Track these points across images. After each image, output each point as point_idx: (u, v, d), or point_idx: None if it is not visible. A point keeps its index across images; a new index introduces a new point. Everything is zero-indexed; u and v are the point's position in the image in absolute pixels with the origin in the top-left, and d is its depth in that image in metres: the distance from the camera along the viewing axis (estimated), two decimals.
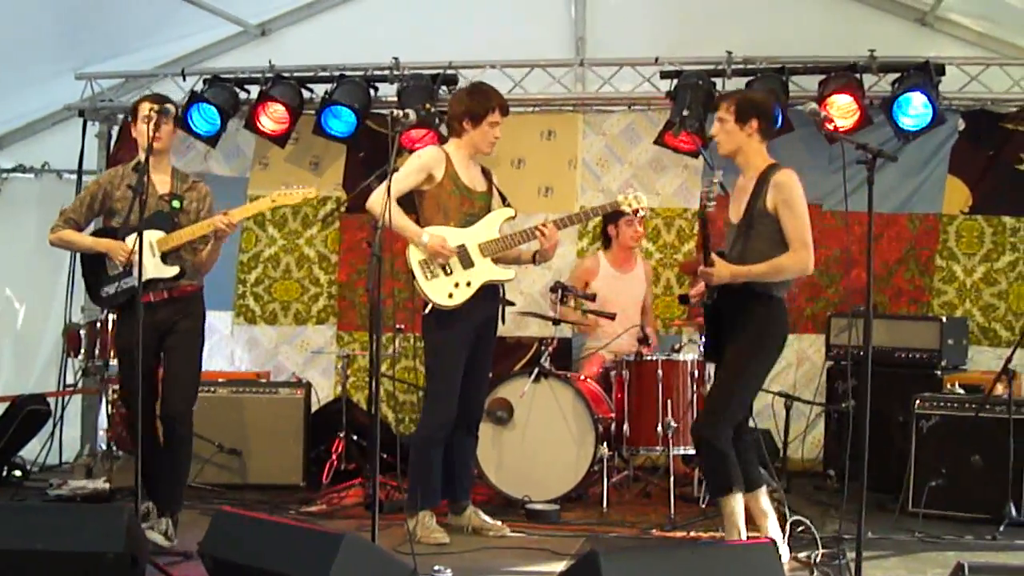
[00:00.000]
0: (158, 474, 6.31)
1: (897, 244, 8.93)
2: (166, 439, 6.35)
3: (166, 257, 6.32)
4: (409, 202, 6.55)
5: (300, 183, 9.47)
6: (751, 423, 6.19)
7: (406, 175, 6.45)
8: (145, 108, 6.32)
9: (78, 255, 6.77)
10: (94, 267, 6.48)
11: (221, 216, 6.30)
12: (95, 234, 6.52)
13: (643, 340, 7.95)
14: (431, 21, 9.43)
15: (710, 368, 7.65)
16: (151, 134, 6.01)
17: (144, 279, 5.98)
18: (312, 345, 9.76)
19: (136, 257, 5.85)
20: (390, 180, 5.79)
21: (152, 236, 6.23)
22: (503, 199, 6.81)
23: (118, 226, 6.32)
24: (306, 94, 9.29)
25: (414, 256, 6.45)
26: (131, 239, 6.09)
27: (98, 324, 8.46)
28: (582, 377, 7.88)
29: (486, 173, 6.81)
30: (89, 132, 9.71)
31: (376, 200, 6.31)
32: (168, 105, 6.28)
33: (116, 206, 6.40)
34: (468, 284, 6.45)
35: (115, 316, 7.18)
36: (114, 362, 8.29)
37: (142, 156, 6.30)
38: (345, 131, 9.12)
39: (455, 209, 6.54)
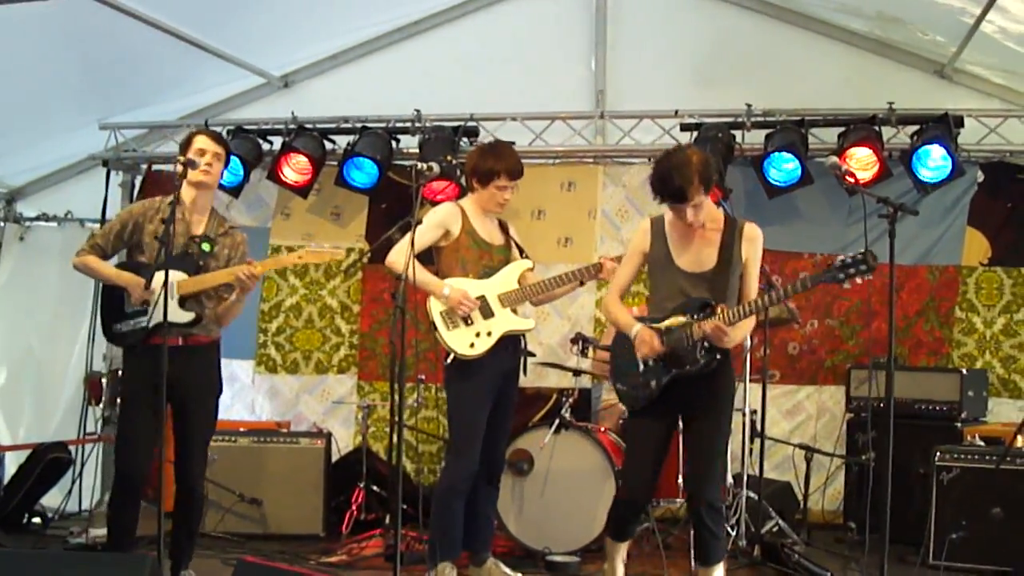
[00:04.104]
0: (176, 533, 6.24)
1: (917, 296, 8.92)
2: (184, 501, 6.25)
3: (184, 302, 6.05)
4: (427, 255, 6.54)
5: (322, 234, 9.68)
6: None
7: (423, 231, 6.40)
8: (201, 141, 6.17)
9: (100, 291, 6.39)
10: (113, 301, 6.17)
11: (245, 266, 6.07)
12: (119, 267, 6.23)
13: None
14: (452, 73, 9.51)
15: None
16: (200, 170, 6.04)
17: (158, 321, 5.70)
18: (333, 395, 9.75)
19: (152, 296, 5.80)
20: (413, 232, 5.80)
21: (174, 277, 5.92)
22: (521, 251, 6.83)
23: (143, 261, 6.08)
24: (328, 145, 9.32)
25: (435, 307, 6.45)
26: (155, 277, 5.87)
27: (119, 372, 8.40)
28: (602, 429, 7.88)
29: (503, 226, 6.83)
30: (112, 181, 9.73)
31: (395, 256, 6.31)
32: (220, 148, 6.21)
33: (145, 239, 6.11)
34: (489, 334, 6.45)
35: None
36: None
37: (184, 190, 6.15)
38: (367, 183, 9.13)
39: (473, 262, 6.55)
